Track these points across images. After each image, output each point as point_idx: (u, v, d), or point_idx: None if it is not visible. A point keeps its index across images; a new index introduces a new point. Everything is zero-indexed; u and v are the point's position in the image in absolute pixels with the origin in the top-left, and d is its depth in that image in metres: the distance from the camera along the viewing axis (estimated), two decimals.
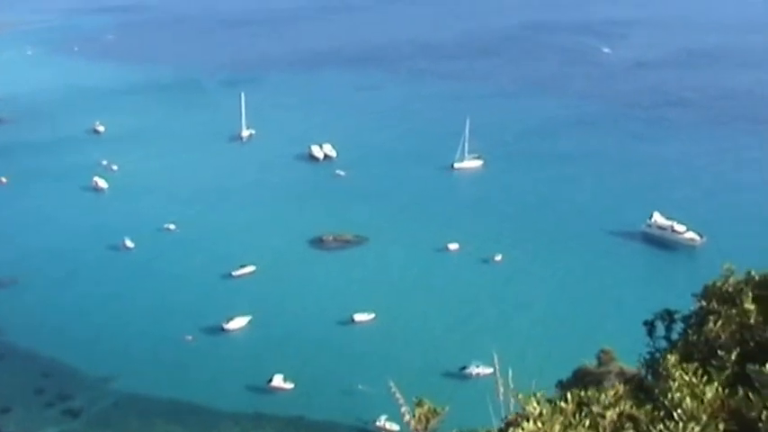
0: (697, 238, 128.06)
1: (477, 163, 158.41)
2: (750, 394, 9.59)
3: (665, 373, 10.23)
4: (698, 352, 11.12)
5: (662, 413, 9.76)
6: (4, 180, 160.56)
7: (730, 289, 11.97)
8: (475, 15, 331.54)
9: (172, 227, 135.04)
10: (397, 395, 11.18)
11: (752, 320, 11.13)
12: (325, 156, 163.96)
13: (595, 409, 10.16)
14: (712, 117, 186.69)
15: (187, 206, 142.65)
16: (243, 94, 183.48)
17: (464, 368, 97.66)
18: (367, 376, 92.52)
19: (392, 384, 11.76)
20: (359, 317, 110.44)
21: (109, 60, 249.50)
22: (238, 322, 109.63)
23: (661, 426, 9.57)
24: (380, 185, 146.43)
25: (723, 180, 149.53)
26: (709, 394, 9.71)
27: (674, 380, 9.99)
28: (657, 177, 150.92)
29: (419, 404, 11.11)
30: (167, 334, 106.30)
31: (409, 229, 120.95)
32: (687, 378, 9.96)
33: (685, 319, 12.22)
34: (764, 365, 9.62)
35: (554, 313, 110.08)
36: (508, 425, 10.56)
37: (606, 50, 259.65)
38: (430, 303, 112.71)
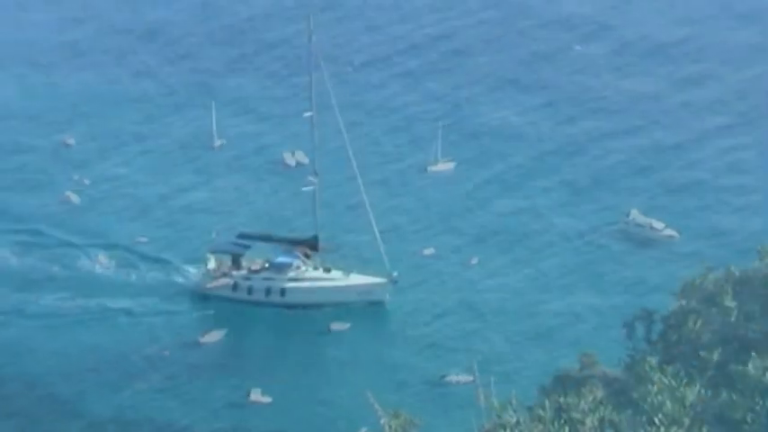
0: (675, 234, 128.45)
1: (450, 165, 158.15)
2: (734, 396, 9.26)
3: (644, 376, 9.90)
4: (679, 353, 10.79)
5: (643, 418, 9.42)
6: None
7: (710, 286, 11.67)
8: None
9: (143, 240, 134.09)
10: (376, 406, 10.84)
11: (733, 318, 10.82)
12: (297, 163, 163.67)
13: (575, 415, 9.83)
14: (684, 113, 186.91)
15: (159, 218, 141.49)
16: (213, 104, 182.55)
17: (444, 376, 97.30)
18: (345, 387, 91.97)
19: (370, 395, 11.39)
20: (335, 326, 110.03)
21: (77, 72, 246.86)
22: (214, 335, 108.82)
23: (642, 431, 9.23)
24: (351, 189, 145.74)
25: (700, 177, 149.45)
26: (691, 397, 9.38)
27: (653, 383, 9.67)
28: (635, 173, 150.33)
29: (396, 416, 10.77)
30: (141, 349, 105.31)
31: (382, 235, 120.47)
32: (667, 381, 9.63)
33: (665, 319, 11.91)
34: (747, 365, 9.29)
35: (532, 316, 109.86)
36: None
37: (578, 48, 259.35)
38: (407, 310, 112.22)
